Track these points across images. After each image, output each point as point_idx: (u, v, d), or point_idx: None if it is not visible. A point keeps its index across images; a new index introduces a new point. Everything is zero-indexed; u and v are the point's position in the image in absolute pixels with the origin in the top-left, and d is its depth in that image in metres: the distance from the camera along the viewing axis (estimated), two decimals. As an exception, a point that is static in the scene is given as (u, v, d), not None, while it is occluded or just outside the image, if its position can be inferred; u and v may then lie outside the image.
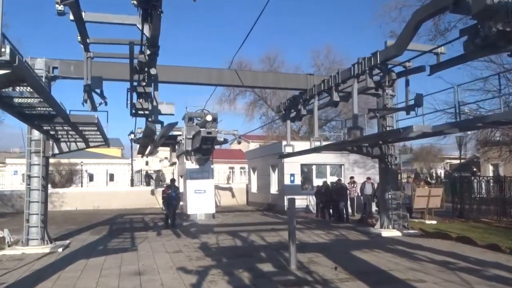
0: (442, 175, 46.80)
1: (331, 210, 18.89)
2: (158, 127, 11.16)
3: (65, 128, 9.91)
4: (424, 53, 9.72)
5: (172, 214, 16.08)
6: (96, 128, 9.72)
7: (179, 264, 8.98)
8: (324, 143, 14.85)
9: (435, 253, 9.98)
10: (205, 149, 16.99)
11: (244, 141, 61.08)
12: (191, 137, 18.24)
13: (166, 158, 55.12)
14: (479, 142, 29.01)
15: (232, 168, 50.36)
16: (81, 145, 11.59)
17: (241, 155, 65.01)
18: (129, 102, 13.97)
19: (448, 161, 65.63)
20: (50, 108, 7.53)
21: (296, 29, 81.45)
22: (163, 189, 17.09)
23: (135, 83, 10.44)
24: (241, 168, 49.97)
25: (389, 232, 13.41)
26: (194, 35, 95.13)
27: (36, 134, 11.28)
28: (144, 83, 10.46)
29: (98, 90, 8.89)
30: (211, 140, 16.28)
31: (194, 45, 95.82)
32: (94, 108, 10.00)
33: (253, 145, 60.65)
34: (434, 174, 48.70)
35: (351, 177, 20.39)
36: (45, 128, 9.70)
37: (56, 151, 11.57)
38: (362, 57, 10.51)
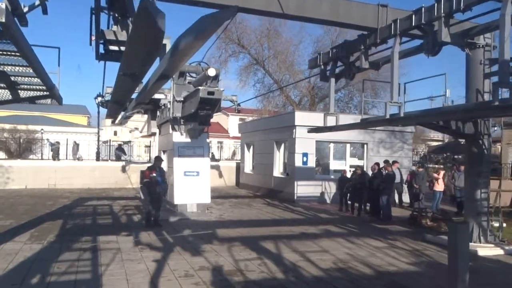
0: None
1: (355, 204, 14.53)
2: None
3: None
4: None
5: (156, 207, 11.12)
6: (19, 53, 4.59)
7: None
8: (358, 116, 10.21)
9: None
10: (203, 116, 12.04)
11: (223, 114, 56.16)
12: (182, 99, 13.25)
13: (136, 128, 49.33)
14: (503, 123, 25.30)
15: (209, 142, 45.80)
16: (3, 93, 6.35)
17: (220, 129, 60.09)
18: (94, 36, 8.87)
19: (427, 143, 62.62)
20: None
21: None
22: (144, 171, 11.96)
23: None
24: (219, 142, 45.71)
25: (487, 250, 9.00)
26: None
27: None
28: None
29: None
30: (212, 104, 11.44)
31: None
32: (17, 11, 4.81)
33: (234, 119, 55.95)
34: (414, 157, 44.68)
35: (386, 161, 15.90)
36: None
37: (-45, 103, 6.32)
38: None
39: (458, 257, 3.64)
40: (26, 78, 6.17)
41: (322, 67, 11.06)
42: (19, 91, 6.51)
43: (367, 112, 11.59)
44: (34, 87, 6.58)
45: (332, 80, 10.62)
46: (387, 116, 8.34)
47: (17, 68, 5.64)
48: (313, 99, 29.61)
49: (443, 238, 10.10)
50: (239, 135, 27.99)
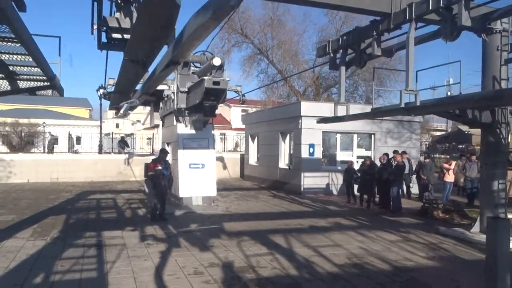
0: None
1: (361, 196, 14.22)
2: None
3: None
4: None
5: (161, 201, 10.85)
6: (17, 39, 4.26)
7: None
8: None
9: None
10: (208, 107, 11.71)
11: (225, 105, 55.71)
12: (186, 90, 12.91)
13: (138, 121, 48.81)
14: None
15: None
16: (1, 84, 6.03)
17: (222, 120, 59.77)
18: (95, 25, 8.56)
19: (431, 133, 61.91)
20: None
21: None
22: (148, 163, 11.66)
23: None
24: (221, 133, 45.43)
25: (505, 242, 8.71)
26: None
27: None
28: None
29: None
30: (218, 94, 11.13)
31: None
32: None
33: (236, 110, 55.53)
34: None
35: (395, 151, 15.55)
36: None
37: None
38: None
39: (497, 256, 3.34)
40: (26, 67, 5.84)
41: (332, 55, 10.68)
42: (18, 81, 6.18)
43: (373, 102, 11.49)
44: (34, 77, 6.25)
45: (343, 68, 10.25)
46: (402, 105, 8.00)
47: (16, 56, 5.31)
48: (317, 89, 29.18)
49: (457, 230, 9.83)
50: (242, 126, 27.68)
